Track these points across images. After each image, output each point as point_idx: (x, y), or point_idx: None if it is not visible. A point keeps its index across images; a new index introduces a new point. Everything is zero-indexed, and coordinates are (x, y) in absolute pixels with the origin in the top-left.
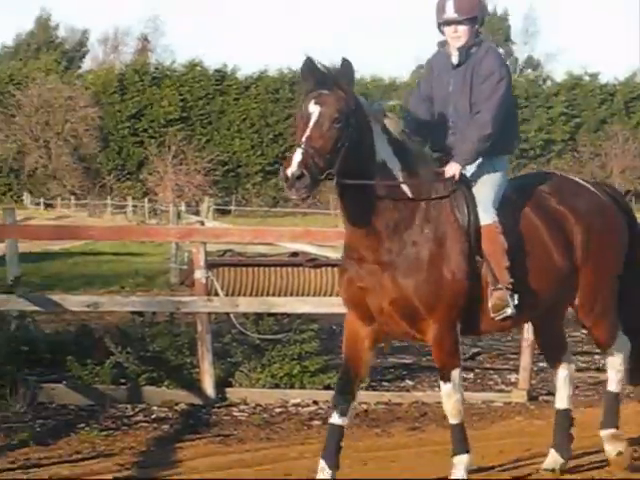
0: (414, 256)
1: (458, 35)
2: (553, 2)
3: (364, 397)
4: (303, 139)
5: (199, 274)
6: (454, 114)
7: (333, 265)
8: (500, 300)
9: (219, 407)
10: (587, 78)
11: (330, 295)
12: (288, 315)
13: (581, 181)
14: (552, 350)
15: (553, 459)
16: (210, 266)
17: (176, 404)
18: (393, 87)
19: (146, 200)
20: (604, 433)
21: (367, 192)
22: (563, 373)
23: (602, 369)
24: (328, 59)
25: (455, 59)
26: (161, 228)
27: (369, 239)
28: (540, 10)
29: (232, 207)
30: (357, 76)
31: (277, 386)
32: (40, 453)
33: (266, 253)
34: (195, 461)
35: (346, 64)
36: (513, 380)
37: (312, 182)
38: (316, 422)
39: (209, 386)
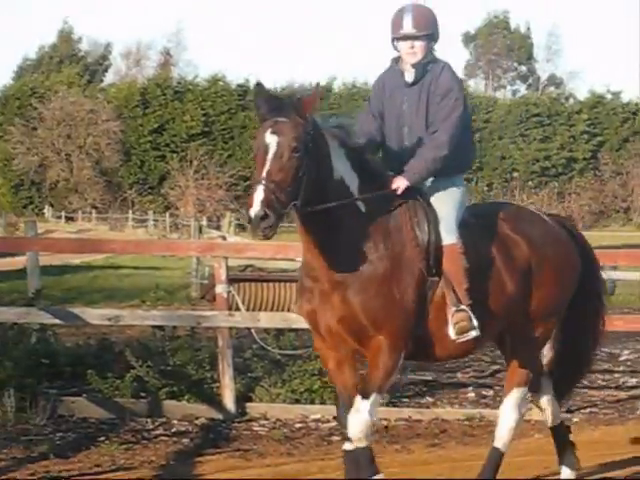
0: (366, 274)
1: (414, 51)
2: (576, 20)
3: (384, 413)
4: (263, 174)
5: (220, 289)
6: (408, 134)
7: None
8: (463, 321)
9: (239, 422)
10: (609, 96)
11: None
12: (309, 331)
13: (537, 212)
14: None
15: (566, 474)
16: (231, 281)
17: (196, 418)
18: None
19: (167, 214)
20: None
21: (324, 212)
22: (545, 396)
23: (622, 387)
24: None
25: (410, 77)
26: (182, 242)
27: (325, 258)
28: (563, 28)
29: None
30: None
31: (297, 401)
32: (60, 466)
33: (287, 269)
34: (215, 475)
35: (315, 90)
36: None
37: (276, 220)
38: (336, 437)
39: (229, 401)
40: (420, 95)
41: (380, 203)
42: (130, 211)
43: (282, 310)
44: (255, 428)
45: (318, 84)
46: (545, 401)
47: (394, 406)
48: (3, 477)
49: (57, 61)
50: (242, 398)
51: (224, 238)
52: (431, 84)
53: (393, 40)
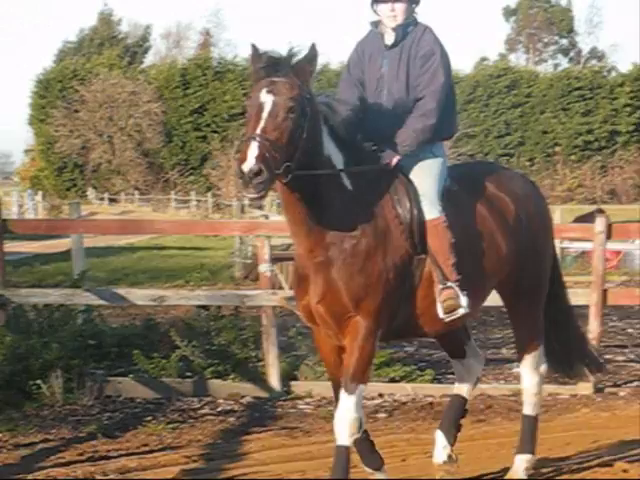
0: (349, 252)
1: (395, 14)
2: None
3: (429, 390)
4: (258, 130)
5: (264, 268)
6: (388, 98)
7: None
8: (451, 299)
9: (284, 400)
10: None
11: None
12: None
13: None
14: (453, 343)
15: (440, 443)
16: (274, 260)
17: (242, 397)
18: (456, 80)
19: (209, 195)
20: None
21: (313, 189)
22: (467, 363)
23: None
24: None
25: (390, 38)
26: (226, 222)
27: (311, 240)
28: (604, 0)
29: None
30: None
31: None
32: (108, 446)
33: None
34: (261, 453)
35: (311, 51)
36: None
37: (270, 177)
38: (381, 414)
39: (274, 379)
40: (400, 57)
41: (364, 180)
42: (172, 192)
43: None
44: (300, 406)
45: (314, 45)
46: (463, 373)
47: (439, 382)
48: (52, 457)
49: (97, 43)
50: (287, 376)
51: (266, 217)
52: (412, 47)
53: (372, 3)
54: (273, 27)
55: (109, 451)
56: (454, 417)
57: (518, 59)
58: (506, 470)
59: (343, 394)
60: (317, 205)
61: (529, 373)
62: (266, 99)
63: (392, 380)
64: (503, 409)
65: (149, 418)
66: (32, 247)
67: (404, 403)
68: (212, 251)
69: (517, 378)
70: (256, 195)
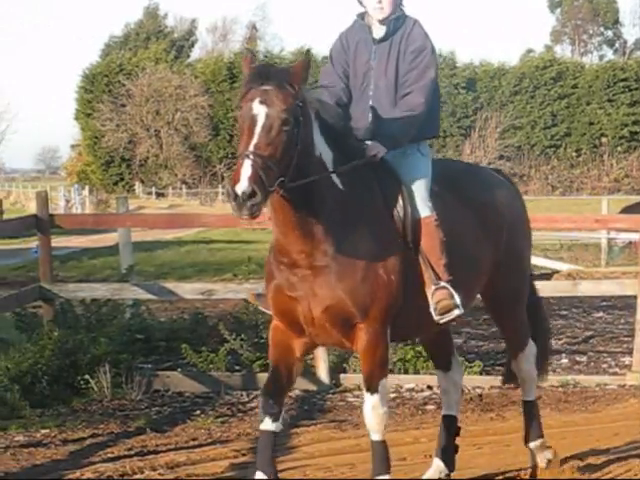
0: (348, 257)
1: (382, 6)
2: None
3: (478, 382)
4: (250, 147)
5: None
6: (375, 92)
7: None
8: (445, 300)
9: (333, 393)
10: None
11: None
12: None
13: (486, 167)
14: (441, 352)
15: (436, 469)
16: None
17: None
18: (502, 71)
19: None
20: (532, 445)
21: (304, 192)
22: (452, 377)
23: None
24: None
25: (380, 32)
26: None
27: (304, 242)
28: None
29: None
30: (467, 60)
31: (391, 371)
32: (156, 440)
33: None
34: (310, 446)
35: (305, 57)
36: (627, 363)
37: (264, 198)
38: (430, 407)
39: (323, 372)
40: (390, 52)
41: (355, 178)
42: (220, 186)
43: None
44: (349, 399)
45: (308, 51)
46: (448, 388)
47: (487, 374)
48: (100, 452)
49: (144, 38)
50: (336, 369)
51: None
52: (402, 41)
53: None
54: (319, 20)
55: (158, 446)
56: (449, 440)
57: (563, 51)
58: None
59: (367, 394)
60: (310, 207)
61: (525, 367)
62: (259, 111)
63: None
64: (552, 400)
65: (198, 412)
66: (79, 242)
67: None
68: (259, 244)
69: (565, 369)
70: (249, 217)
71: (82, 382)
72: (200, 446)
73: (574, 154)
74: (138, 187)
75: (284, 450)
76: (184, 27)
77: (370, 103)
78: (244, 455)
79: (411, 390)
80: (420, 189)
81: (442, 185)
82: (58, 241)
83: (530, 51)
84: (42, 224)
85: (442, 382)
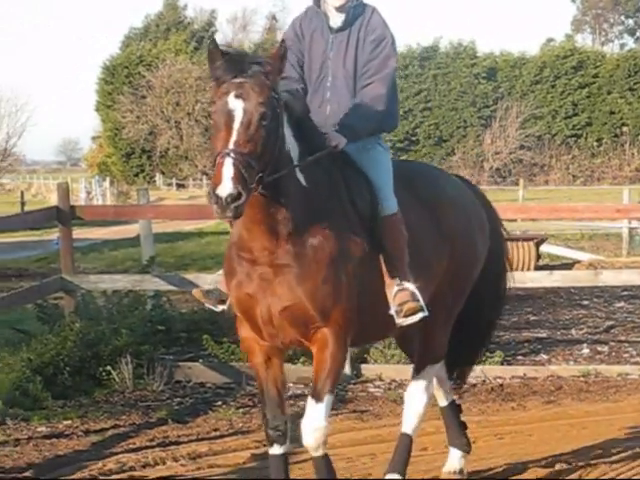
0: (313, 256)
1: None
2: None
3: (499, 372)
4: (230, 145)
5: None
6: (332, 84)
7: None
8: (410, 302)
9: (355, 383)
10: None
11: None
12: None
13: (444, 171)
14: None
15: (455, 455)
16: None
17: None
18: (523, 61)
19: None
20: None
21: (273, 187)
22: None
23: None
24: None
25: (338, 21)
26: None
27: (268, 239)
28: None
29: None
30: (487, 50)
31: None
32: (178, 431)
33: None
34: (332, 437)
35: (280, 47)
36: None
37: (247, 198)
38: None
39: (344, 363)
40: (348, 42)
41: (319, 174)
42: None
43: None
44: (370, 389)
45: (283, 41)
46: (437, 381)
47: (509, 364)
48: (122, 443)
49: (164, 29)
50: (357, 360)
51: None
52: (360, 30)
53: None
54: None
55: (180, 436)
56: (456, 423)
57: (584, 40)
58: (578, 452)
59: (312, 403)
60: (276, 203)
61: (418, 392)
62: (235, 106)
63: None
64: (573, 390)
65: (219, 403)
66: (101, 233)
67: (474, 385)
68: None
69: (587, 359)
70: (233, 218)
71: (104, 373)
72: (222, 437)
73: (595, 143)
74: (159, 178)
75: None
76: (204, 18)
77: (328, 95)
78: (265, 446)
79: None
80: (384, 185)
81: (398, 184)
82: (79, 233)
83: (550, 40)
84: (63, 216)
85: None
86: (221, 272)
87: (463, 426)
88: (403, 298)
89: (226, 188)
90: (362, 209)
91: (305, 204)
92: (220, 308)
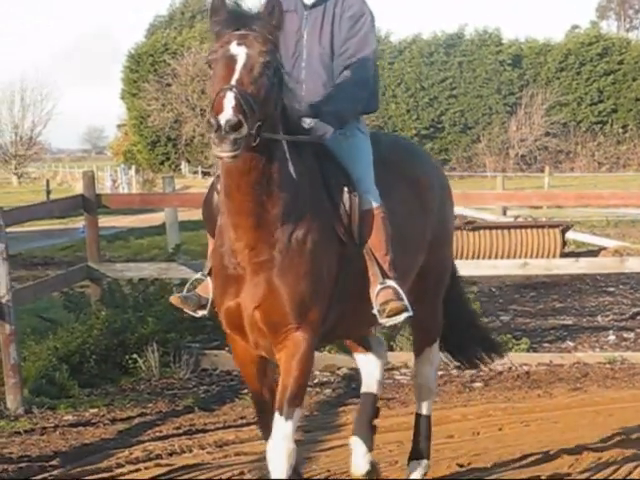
0: (295, 252)
1: None
2: None
3: (525, 359)
4: (233, 81)
5: None
6: (308, 63)
7: (491, 228)
8: (393, 301)
9: None
10: None
11: (489, 257)
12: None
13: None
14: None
15: (361, 452)
16: None
17: (338, 368)
18: (548, 48)
19: None
20: (413, 466)
21: (266, 172)
22: (372, 356)
23: None
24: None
25: None
26: None
27: (254, 235)
28: None
29: None
30: (512, 36)
31: (440, 349)
32: (205, 419)
33: None
34: None
35: (271, 2)
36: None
37: (248, 135)
38: (477, 384)
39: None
40: (324, 18)
41: (300, 164)
42: None
43: None
44: (397, 377)
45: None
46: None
47: (535, 351)
48: (149, 431)
49: (189, 17)
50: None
51: None
52: (337, 5)
53: None
54: None
55: (206, 424)
56: (367, 419)
57: (609, 26)
58: (604, 439)
59: (279, 419)
60: (267, 193)
61: (426, 370)
62: (238, 51)
63: None
64: (599, 377)
65: (245, 391)
66: (126, 221)
67: (500, 372)
68: None
69: (613, 346)
70: (232, 153)
71: (130, 361)
72: (248, 424)
73: (620, 130)
74: (184, 166)
75: (331, 429)
76: None
77: (303, 75)
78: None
79: (458, 367)
80: (366, 176)
81: (381, 165)
82: (105, 221)
83: (575, 27)
84: (89, 204)
85: (361, 364)
86: (199, 275)
87: (373, 429)
88: (386, 297)
89: (226, 115)
90: (342, 204)
91: (293, 198)
92: (200, 314)
